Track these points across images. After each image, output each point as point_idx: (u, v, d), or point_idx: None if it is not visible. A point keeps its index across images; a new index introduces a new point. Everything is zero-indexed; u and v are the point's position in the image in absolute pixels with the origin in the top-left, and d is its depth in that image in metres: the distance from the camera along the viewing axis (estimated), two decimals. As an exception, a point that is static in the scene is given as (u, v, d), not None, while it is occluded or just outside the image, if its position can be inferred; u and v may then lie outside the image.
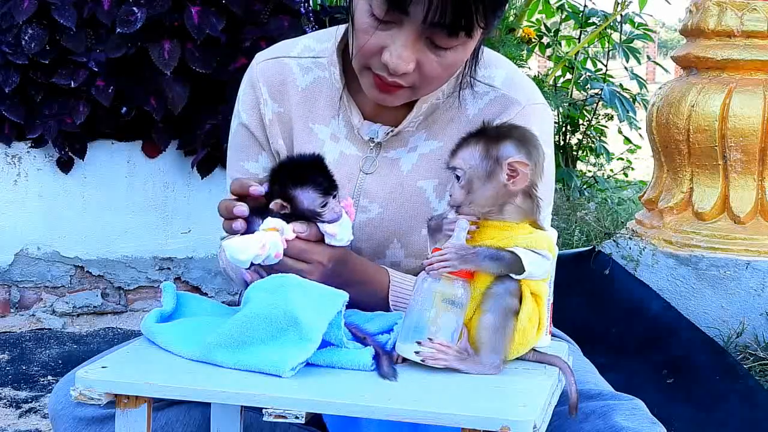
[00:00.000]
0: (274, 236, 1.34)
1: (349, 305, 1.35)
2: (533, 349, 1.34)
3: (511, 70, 1.59)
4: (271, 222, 1.35)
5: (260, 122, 1.61)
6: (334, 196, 1.38)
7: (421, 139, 1.56)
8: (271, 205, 1.38)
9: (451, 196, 1.33)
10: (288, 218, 1.37)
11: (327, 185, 1.37)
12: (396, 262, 1.57)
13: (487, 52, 1.58)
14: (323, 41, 1.61)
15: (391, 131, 1.55)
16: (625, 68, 5.14)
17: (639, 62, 5.07)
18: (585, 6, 5.00)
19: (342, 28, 1.58)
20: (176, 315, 1.43)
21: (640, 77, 5.24)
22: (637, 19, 5.03)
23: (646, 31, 5.04)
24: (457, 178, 1.32)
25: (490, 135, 1.33)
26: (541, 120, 1.56)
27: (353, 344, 1.31)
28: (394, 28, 1.38)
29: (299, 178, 1.37)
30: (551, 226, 1.54)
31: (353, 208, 1.44)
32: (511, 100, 1.55)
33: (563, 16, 5.05)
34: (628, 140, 5.59)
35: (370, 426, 1.41)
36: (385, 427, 1.35)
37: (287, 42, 1.66)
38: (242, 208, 1.37)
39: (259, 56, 1.64)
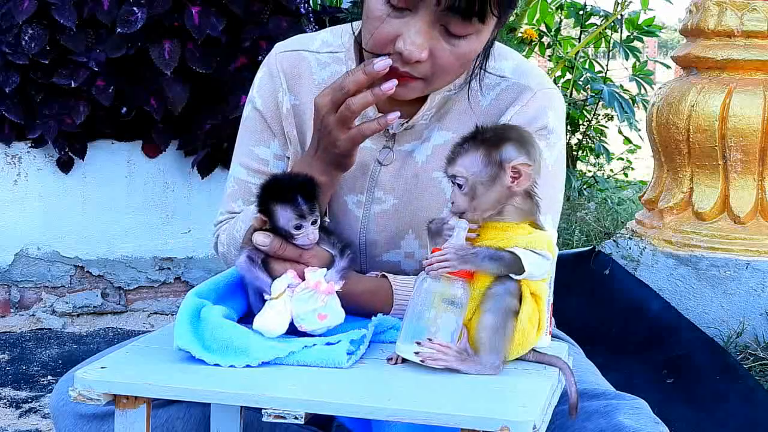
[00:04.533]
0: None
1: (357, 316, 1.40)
2: (533, 350, 1.34)
3: (520, 59, 1.61)
4: (280, 287, 1.34)
5: (276, 110, 1.62)
6: (314, 223, 1.37)
7: (434, 130, 1.57)
8: (252, 220, 1.39)
9: (453, 203, 1.32)
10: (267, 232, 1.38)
11: (306, 209, 1.35)
12: (410, 252, 1.58)
13: (495, 45, 1.59)
14: (340, 36, 1.63)
15: (406, 123, 1.56)
16: (625, 69, 5.13)
17: (639, 61, 5.06)
18: (585, 4, 4.99)
19: (359, 23, 1.59)
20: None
21: (640, 79, 5.22)
22: (644, 16, 5.01)
23: (651, 29, 5.02)
24: (459, 186, 1.32)
25: (488, 139, 1.32)
26: (554, 104, 1.58)
27: (309, 341, 1.32)
28: (408, 15, 1.39)
29: (281, 196, 1.36)
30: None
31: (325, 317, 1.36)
32: (523, 87, 1.56)
33: (565, 12, 5.03)
34: (628, 140, 5.59)
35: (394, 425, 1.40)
36: (411, 426, 1.34)
37: (306, 36, 1.67)
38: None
39: (279, 47, 1.65)
